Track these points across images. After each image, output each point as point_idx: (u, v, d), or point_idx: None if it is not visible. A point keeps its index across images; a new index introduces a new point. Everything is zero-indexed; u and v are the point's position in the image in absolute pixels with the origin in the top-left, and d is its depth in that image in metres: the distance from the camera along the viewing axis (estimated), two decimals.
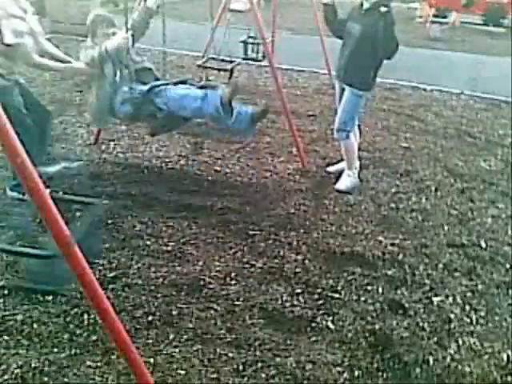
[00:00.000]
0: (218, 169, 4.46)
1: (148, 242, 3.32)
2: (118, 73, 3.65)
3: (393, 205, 4.04)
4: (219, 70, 5.57)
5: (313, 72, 7.86)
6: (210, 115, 3.66)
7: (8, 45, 3.17)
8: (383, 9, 3.58)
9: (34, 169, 1.59)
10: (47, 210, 1.65)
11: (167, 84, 3.72)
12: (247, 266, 3.17)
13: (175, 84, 3.76)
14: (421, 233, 3.68)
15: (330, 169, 4.53)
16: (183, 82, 3.86)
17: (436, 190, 4.33)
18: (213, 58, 5.58)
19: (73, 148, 4.62)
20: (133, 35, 3.69)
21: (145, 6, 3.84)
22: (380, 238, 3.57)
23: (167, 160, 4.53)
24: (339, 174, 4.34)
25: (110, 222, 3.50)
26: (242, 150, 4.89)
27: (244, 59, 6.62)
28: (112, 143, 4.77)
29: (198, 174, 4.34)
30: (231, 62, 5.58)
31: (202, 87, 3.75)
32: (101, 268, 2.99)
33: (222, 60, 5.61)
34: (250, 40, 6.45)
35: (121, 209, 3.66)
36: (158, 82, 3.72)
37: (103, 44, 3.57)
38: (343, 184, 4.22)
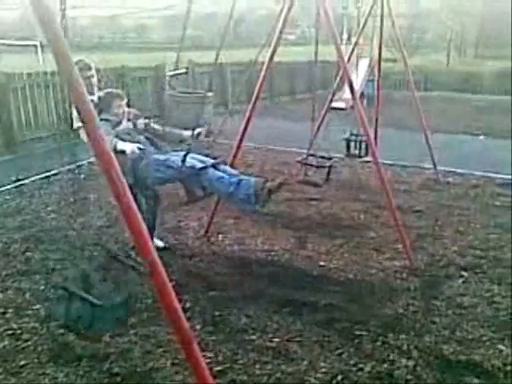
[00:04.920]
0: (323, 264, 4.46)
1: (253, 337, 3.33)
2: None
3: None
4: (317, 166, 5.75)
5: (417, 167, 7.79)
6: (241, 200, 3.89)
7: None
8: None
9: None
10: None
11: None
12: (354, 369, 3.04)
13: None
14: None
15: None
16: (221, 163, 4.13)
17: None
18: (312, 155, 5.80)
19: (185, 240, 4.91)
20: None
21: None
22: (500, 347, 3.27)
23: (272, 254, 4.63)
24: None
25: (217, 313, 3.60)
26: (345, 244, 4.87)
27: (347, 156, 6.79)
28: (220, 236, 5.01)
29: (303, 268, 4.37)
30: (329, 159, 5.77)
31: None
32: (209, 360, 3.03)
33: (322, 157, 5.81)
34: (353, 137, 6.61)
35: (227, 301, 3.76)
36: (208, 163, 4.00)
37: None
38: None
